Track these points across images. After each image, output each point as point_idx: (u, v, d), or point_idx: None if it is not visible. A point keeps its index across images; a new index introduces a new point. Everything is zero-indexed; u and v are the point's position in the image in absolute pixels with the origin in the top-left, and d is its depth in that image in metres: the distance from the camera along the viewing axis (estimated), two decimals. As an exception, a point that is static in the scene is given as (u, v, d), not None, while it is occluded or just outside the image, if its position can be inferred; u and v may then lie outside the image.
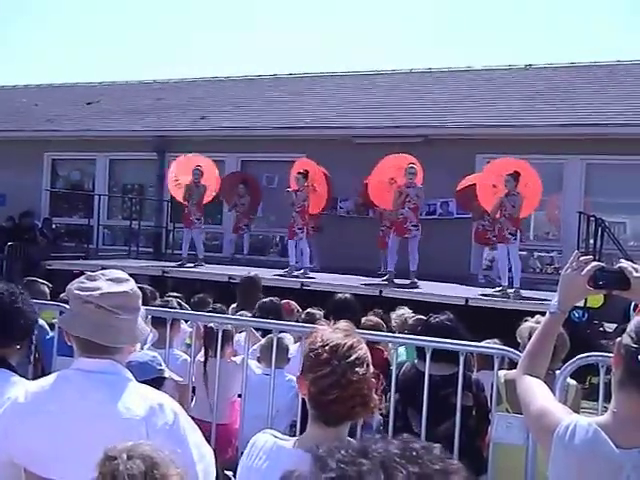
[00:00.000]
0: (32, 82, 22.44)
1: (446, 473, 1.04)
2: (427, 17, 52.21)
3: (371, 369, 2.02)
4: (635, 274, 2.08)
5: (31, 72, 49.14)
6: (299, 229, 11.76)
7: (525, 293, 10.29)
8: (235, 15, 55.73)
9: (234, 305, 7.12)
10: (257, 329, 5.42)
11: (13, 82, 22.89)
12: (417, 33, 52.78)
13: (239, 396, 4.79)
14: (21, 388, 2.33)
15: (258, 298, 7.20)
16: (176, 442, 2.12)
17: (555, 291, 2.26)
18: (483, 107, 14.58)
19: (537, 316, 4.16)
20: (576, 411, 3.13)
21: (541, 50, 45.43)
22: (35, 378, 2.53)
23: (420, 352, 4.15)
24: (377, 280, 11.15)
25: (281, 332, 5.03)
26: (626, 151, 12.49)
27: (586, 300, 8.74)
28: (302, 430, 2.14)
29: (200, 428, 2.34)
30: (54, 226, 16.96)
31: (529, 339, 2.35)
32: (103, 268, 2.54)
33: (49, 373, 2.59)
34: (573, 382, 3.95)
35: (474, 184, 11.55)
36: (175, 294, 7.24)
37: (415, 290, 10.44)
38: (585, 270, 2.15)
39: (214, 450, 2.41)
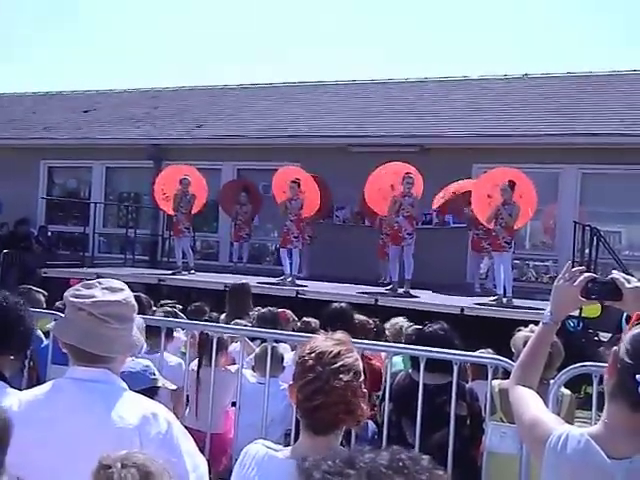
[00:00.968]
0: (29, 90, 22.46)
1: None
2: (423, 26, 52.45)
3: (360, 377, 2.02)
4: (627, 285, 2.09)
5: (28, 80, 49.16)
6: (295, 237, 11.79)
7: (520, 302, 10.30)
8: (231, 23, 55.87)
9: (224, 314, 7.10)
10: (255, 338, 5.41)
11: (10, 90, 22.89)
12: (413, 42, 52.97)
13: (233, 405, 4.79)
14: (15, 397, 2.33)
15: (249, 306, 7.19)
16: (169, 451, 2.12)
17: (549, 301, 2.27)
18: (479, 117, 14.61)
19: (531, 325, 4.16)
20: (570, 421, 3.14)
21: (538, 60, 45.60)
22: (29, 387, 2.53)
23: (414, 362, 4.16)
24: (373, 289, 11.16)
25: (278, 341, 5.03)
26: (622, 161, 12.54)
27: (581, 310, 8.75)
28: (296, 439, 2.14)
29: (194, 437, 2.34)
30: (50, 234, 16.93)
31: (524, 349, 2.36)
32: (99, 276, 2.54)
33: (44, 382, 2.59)
34: (567, 392, 3.95)
35: (467, 192, 11.56)
36: (169, 302, 7.23)
37: (411, 299, 10.45)
38: (577, 281, 2.16)
39: (208, 460, 2.41)
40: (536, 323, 2.40)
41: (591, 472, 1.84)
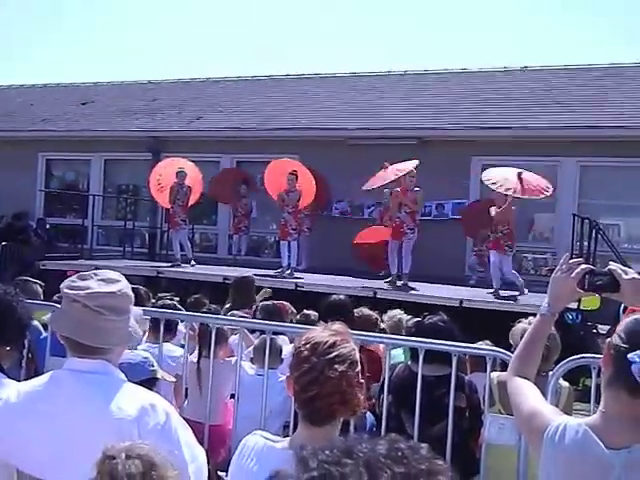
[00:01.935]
0: (27, 82, 22.41)
1: (432, 473, 1.04)
2: (423, 18, 52.33)
3: (357, 368, 2.02)
4: (624, 276, 2.09)
5: (26, 72, 49.05)
6: (292, 230, 11.81)
7: (518, 295, 10.34)
8: (230, 16, 55.74)
9: (227, 305, 7.11)
10: (254, 330, 5.41)
11: (8, 82, 22.84)
12: (413, 34, 52.84)
13: (232, 397, 4.79)
14: (13, 388, 2.33)
15: (252, 299, 7.19)
16: (168, 442, 2.12)
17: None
18: (479, 109, 14.60)
19: (530, 317, 4.16)
20: (568, 413, 3.14)
21: (537, 52, 45.52)
22: (28, 378, 2.53)
23: (414, 353, 4.16)
24: (372, 281, 11.17)
25: (277, 333, 5.04)
26: (621, 153, 12.54)
27: (580, 302, 8.76)
28: (295, 431, 2.15)
29: (192, 429, 2.34)
30: (48, 226, 16.91)
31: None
32: (97, 268, 2.53)
33: (42, 373, 2.59)
34: (565, 384, 3.95)
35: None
36: (167, 294, 7.23)
37: (409, 291, 10.47)
38: (575, 272, 2.16)
39: (206, 451, 2.41)
40: (535, 315, 2.40)
41: (589, 462, 1.84)
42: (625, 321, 1.91)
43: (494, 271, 10.57)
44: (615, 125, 12.76)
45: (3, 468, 2.24)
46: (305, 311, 6.44)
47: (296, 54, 52.64)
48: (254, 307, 6.68)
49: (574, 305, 8.83)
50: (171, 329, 5.09)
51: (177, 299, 6.36)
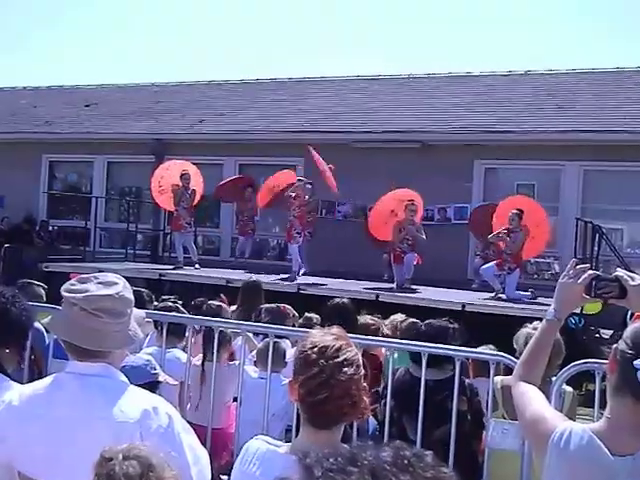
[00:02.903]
0: (31, 84, 22.44)
1: None
2: (427, 22, 52.36)
3: (361, 371, 2.03)
4: (631, 282, 2.09)
5: (30, 74, 49.16)
6: (297, 233, 11.83)
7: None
8: (233, 19, 55.77)
9: (234, 307, 7.10)
10: (258, 334, 5.39)
11: (12, 84, 22.87)
12: (416, 38, 52.91)
13: (234, 400, 4.78)
14: (15, 391, 2.33)
15: (260, 303, 7.17)
16: (170, 445, 2.12)
17: (552, 297, 2.27)
18: (482, 113, 14.59)
19: (535, 322, 4.15)
20: (572, 418, 3.13)
21: (540, 56, 45.50)
22: (32, 381, 2.53)
23: (414, 357, 4.15)
24: (374, 285, 11.17)
25: (280, 337, 5.01)
26: (624, 158, 12.52)
27: (582, 306, 8.74)
28: (297, 435, 2.14)
29: (195, 432, 2.34)
30: (51, 228, 16.93)
31: (526, 345, 2.36)
32: (100, 271, 2.53)
33: (45, 376, 2.58)
34: (569, 389, 3.94)
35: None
36: (170, 297, 7.21)
37: (411, 295, 10.46)
38: (582, 278, 2.16)
39: (209, 454, 2.40)
40: (539, 320, 2.40)
41: (594, 469, 1.83)
42: (632, 327, 1.91)
43: (491, 278, 10.67)
44: (618, 129, 12.75)
45: (5, 470, 2.24)
46: (307, 314, 6.43)
47: (299, 57, 52.70)
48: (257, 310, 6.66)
49: (577, 310, 8.80)
50: (181, 333, 5.03)
51: (180, 302, 6.33)
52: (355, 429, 3.67)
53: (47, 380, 2.34)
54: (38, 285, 5.96)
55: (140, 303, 5.16)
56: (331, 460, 1.03)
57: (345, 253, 13.10)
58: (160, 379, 3.23)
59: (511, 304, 9.97)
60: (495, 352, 4.11)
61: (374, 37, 51.88)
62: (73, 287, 2.28)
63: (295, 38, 56.67)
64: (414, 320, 5.93)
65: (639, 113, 13.29)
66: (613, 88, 14.79)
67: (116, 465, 1.71)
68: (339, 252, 13.23)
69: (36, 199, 17.41)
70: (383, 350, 5.44)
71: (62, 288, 2.30)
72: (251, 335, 5.25)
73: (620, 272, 2.14)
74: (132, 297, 2.37)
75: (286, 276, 11.68)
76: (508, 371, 3.65)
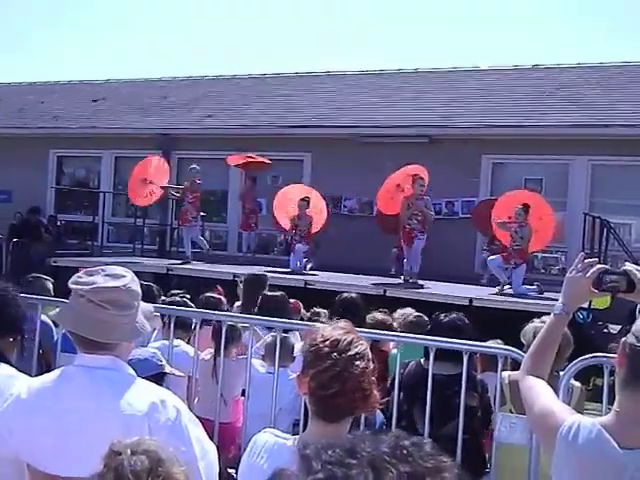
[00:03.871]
0: (38, 80, 22.48)
1: (439, 470, 1.02)
2: (433, 16, 52.19)
3: (371, 365, 2.03)
4: (640, 277, 2.08)
5: (37, 70, 49.23)
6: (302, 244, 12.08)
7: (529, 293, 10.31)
8: (239, 14, 55.70)
9: (238, 303, 7.09)
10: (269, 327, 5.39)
11: (19, 79, 22.93)
12: (423, 32, 52.73)
13: (242, 394, 4.79)
14: (24, 384, 2.34)
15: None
16: (178, 438, 2.12)
17: (560, 292, 2.26)
18: (489, 107, 14.55)
19: (543, 317, 4.14)
20: (580, 412, 3.12)
21: (548, 50, 45.31)
22: (41, 374, 2.54)
23: (426, 351, 4.14)
24: (381, 279, 11.16)
25: (288, 331, 5.01)
26: (632, 152, 12.47)
27: (590, 301, 8.72)
28: (305, 429, 2.14)
29: (203, 426, 2.34)
30: (59, 223, 16.96)
31: (534, 340, 2.35)
32: (107, 265, 2.53)
33: (53, 369, 2.60)
34: (577, 383, 3.92)
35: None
36: (179, 292, 7.21)
37: (419, 290, 10.45)
38: (590, 272, 2.15)
39: (217, 448, 2.41)
40: (547, 314, 2.39)
41: (602, 462, 1.83)
42: None
43: (498, 273, 10.65)
44: (626, 124, 12.69)
45: (14, 463, 2.25)
46: (315, 309, 6.43)
47: (306, 52, 52.61)
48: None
49: (585, 304, 8.79)
50: (188, 327, 5.04)
51: (188, 297, 6.34)
52: (363, 422, 3.68)
53: (55, 373, 2.35)
54: (46, 279, 5.98)
55: (150, 297, 5.19)
56: (329, 452, 1.02)
57: (352, 248, 13.09)
58: (166, 370, 3.24)
59: (519, 299, 9.96)
60: (503, 346, 4.10)
61: (374, 36, 51.74)
62: (81, 279, 2.29)
63: (295, 37, 56.59)
64: (421, 315, 5.94)
65: (648, 107, 13.22)
66: (622, 82, 14.71)
67: (125, 459, 1.71)
68: (346, 247, 13.22)
69: (44, 194, 17.46)
70: (391, 346, 5.43)
71: (70, 280, 2.31)
72: (257, 328, 5.25)
73: (629, 266, 2.13)
74: (139, 290, 2.38)
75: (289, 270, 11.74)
76: (516, 366, 3.64)
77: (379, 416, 4.63)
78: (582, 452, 1.86)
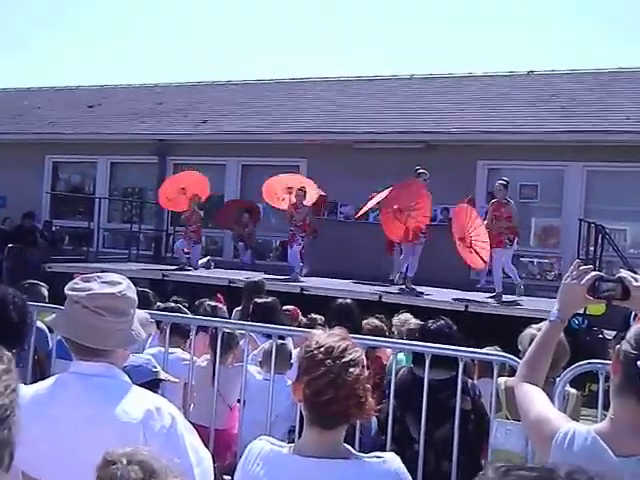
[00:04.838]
0: (34, 85, 22.45)
1: None
2: (428, 22, 52.32)
3: (366, 372, 2.04)
4: (635, 284, 2.08)
5: (33, 75, 49.19)
6: (301, 236, 11.94)
7: (525, 299, 10.32)
8: (235, 20, 55.79)
9: (238, 308, 7.10)
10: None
11: (15, 85, 22.91)
12: (418, 38, 52.83)
13: (238, 401, 4.78)
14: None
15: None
16: (173, 445, 2.12)
17: (555, 298, 2.27)
18: (484, 113, 14.58)
19: (540, 323, 4.14)
20: (576, 419, 3.13)
21: (543, 57, 45.44)
22: (36, 381, 2.53)
23: (416, 357, 4.15)
24: (377, 285, 11.16)
25: (284, 338, 5.01)
26: (627, 158, 12.50)
27: (586, 307, 8.74)
28: (300, 436, 2.15)
29: (198, 433, 2.34)
30: (54, 229, 16.95)
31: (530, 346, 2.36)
32: (103, 271, 2.53)
33: (48, 376, 2.59)
34: (573, 390, 3.93)
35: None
36: (179, 299, 7.21)
37: (415, 295, 10.46)
38: (585, 279, 2.15)
39: (212, 455, 2.40)
40: (543, 320, 2.40)
41: (598, 470, 1.83)
42: (635, 328, 1.90)
43: (496, 273, 10.62)
44: (622, 130, 12.72)
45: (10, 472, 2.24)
46: (311, 315, 6.43)
47: (301, 58, 52.69)
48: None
49: (580, 310, 8.80)
50: (184, 334, 5.02)
51: (185, 304, 6.33)
52: (358, 429, 3.68)
53: (50, 380, 2.34)
54: (41, 285, 5.97)
55: (146, 304, 5.18)
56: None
57: (348, 254, 13.09)
58: (161, 377, 3.22)
59: (515, 305, 9.97)
60: (499, 353, 4.10)
61: (374, 37, 51.82)
62: (76, 286, 2.29)
63: (295, 38, 56.65)
64: (421, 322, 5.94)
65: (643, 113, 13.27)
66: (617, 88, 14.75)
67: (119, 469, 1.71)
68: (342, 253, 13.22)
69: (39, 200, 17.43)
70: (388, 352, 5.43)
71: (66, 287, 2.31)
72: (254, 335, 5.25)
73: (624, 273, 2.13)
74: (135, 297, 2.38)
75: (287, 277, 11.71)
76: (513, 372, 3.64)
77: (374, 421, 4.63)
78: (577, 459, 1.85)
